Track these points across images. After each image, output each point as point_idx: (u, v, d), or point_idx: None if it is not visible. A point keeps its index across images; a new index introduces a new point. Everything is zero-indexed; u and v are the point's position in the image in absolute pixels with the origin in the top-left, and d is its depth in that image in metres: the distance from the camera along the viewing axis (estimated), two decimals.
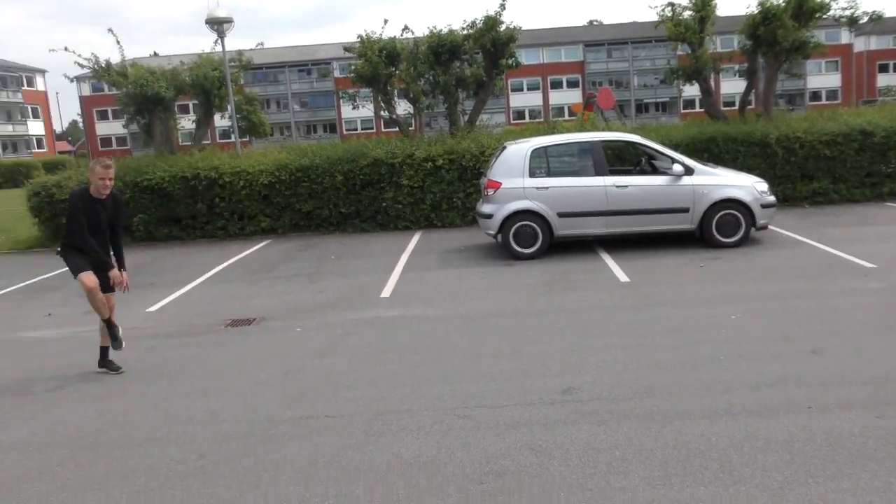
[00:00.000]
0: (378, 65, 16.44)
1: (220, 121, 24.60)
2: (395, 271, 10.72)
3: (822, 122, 14.79)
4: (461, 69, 16.91)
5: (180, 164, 15.05)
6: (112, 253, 6.81)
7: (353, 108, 18.97)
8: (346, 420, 5.32)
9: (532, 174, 10.92)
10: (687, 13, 16.43)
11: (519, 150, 11.08)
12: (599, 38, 79.02)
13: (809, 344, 6.31)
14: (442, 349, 6.95)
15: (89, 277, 6.54)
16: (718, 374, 5.73)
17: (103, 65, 16.96)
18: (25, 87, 77.52)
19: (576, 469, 4.32)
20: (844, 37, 67.28)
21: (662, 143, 12.07)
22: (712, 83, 17.46)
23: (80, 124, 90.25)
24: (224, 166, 14.85)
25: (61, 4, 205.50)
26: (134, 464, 4.82)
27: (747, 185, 10.80)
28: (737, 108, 17.56)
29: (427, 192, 14.53)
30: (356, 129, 70.53)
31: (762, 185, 10.93)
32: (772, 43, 15.59)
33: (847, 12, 16.18)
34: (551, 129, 16.15)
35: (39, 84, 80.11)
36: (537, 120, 63.45)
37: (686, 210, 10.68)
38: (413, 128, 18.87)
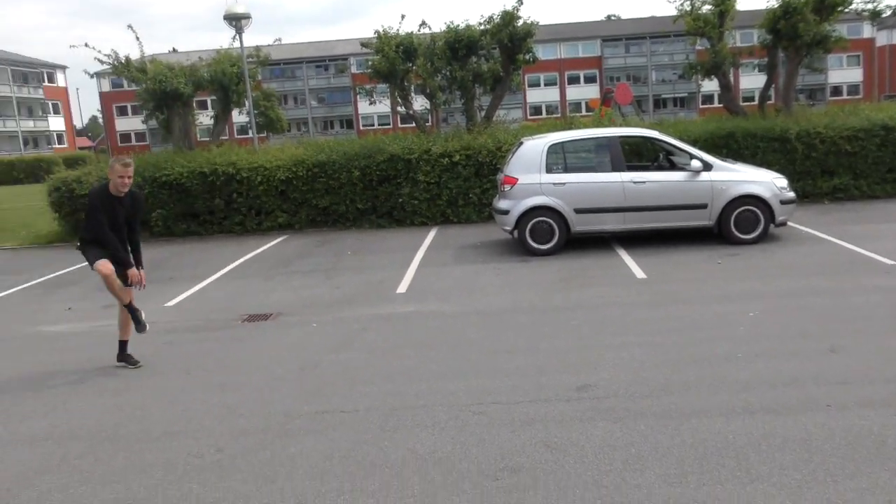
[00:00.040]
0: (395, 60, 16.46)
1: (238, 116, 24.76)
2: (411, 267, 10.73)
3: (843, 117, 14.61)
4: (478, 64, 16.90)
5: (198, 160, 15.13)
6: (129, 250, 6.87)
7: (370, 103, 19.01)
8: (361, 415, 5.33)
9: (549, 170, 10.88)
10: (706, 7, 16.32)
11: (536, 146, 11.04)
12: (617, 33, 78.60)
13: (828, 342, 6.25)
14: (457, 345, 6.95)
15: (105, 265, 6.60)
16: (736, 371, 5.69)
17: (123, 61, 17.12)
18: (46, 83, 78.22)
19: (591, 466, 4.31)
20: (866, 31, 66.52)
21: (680, 139, 11.98)
22: (731, 78, 17.37)
23: (100, 120, 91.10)
24: (242, 162, 14.91)
25: (83, 1, 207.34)
26: (152, 457, 4.86)
27: (766, 181, 10.70)
28: (756, 103, 17.42)
29: (443, 187, 14.52)
30: (373, 125, 70.66)
31: (781, 181, 10.83)
32: (792, 37, 15.45)
33: (869, 6, 16.02)
34: (568, 125, 16.12)
35: (60, 80, 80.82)
36: (554, 115, 63.27)
37: (704, 206, 10.61)
38: (430, 123, 18.88)
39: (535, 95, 76.05)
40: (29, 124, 75.26)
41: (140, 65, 17.19)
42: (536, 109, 74.87)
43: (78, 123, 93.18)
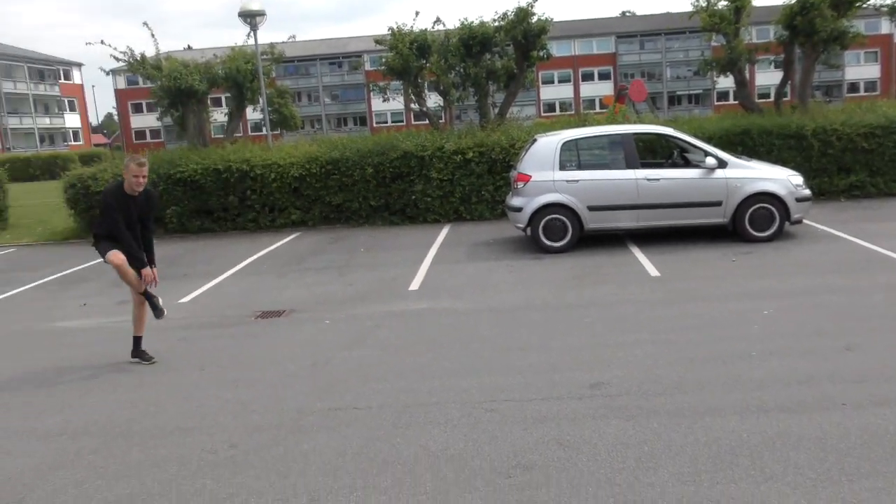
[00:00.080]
0: (409, 57, 16.46)
1: (252, 114, 24.82)
2: (424, 264, 10.73)
3: (861, 114, 14.48)
4: (492, 61, 16.88)
5: (213, 157, 15.20)
6: (143, 248, 6.92)
7: (384, 100, 19.03)
8: (374, 412, 5.34)
9: (562, 167, 10.85)
10: (722, 3, 16.22)
11: (549, 143, 11.01)
12: (632, 30, 78.23)
13: (844, 340, 6.19)
14: (470, 342, 6.95)
15: (117, 255, 6.66)
16: (750, 370, 5.66)
17: (138, 58, 17.20)
18: (62, 81, 78.86)
19: (604, 464, 4.29)
20: (884, 27, 65.73)
21: (695, 136, 11.91)
22: (747, 75, 17.23)
23: (115, 117, 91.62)
24: (255, 159, 14.97)
25: None
26: (166, 452, 4.89)
27: (782, 179, 10.62)
28: (772, 99, 17.29)
29: (456, 184, 14.51)
30: (386, 122, 70.65)
31: (797, 179, 10.74)
32: (809, 33, 15.32)
33: (888, 1, 15.84)
34: (582, 122, 16.06)
35: (76, 77, 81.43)
36: (568, 112, 62.96)
37: (719, 203, 10.54)
38: (443, 120, 18.86)
39: (548, 92, 75.80)
40: (45, 121, 75.88)
41: (155, 62, 17.28)
42: (550, 106, 74.62)
43: (93, 120, 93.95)
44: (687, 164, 11.16)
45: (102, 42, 16.74)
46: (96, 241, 6.84)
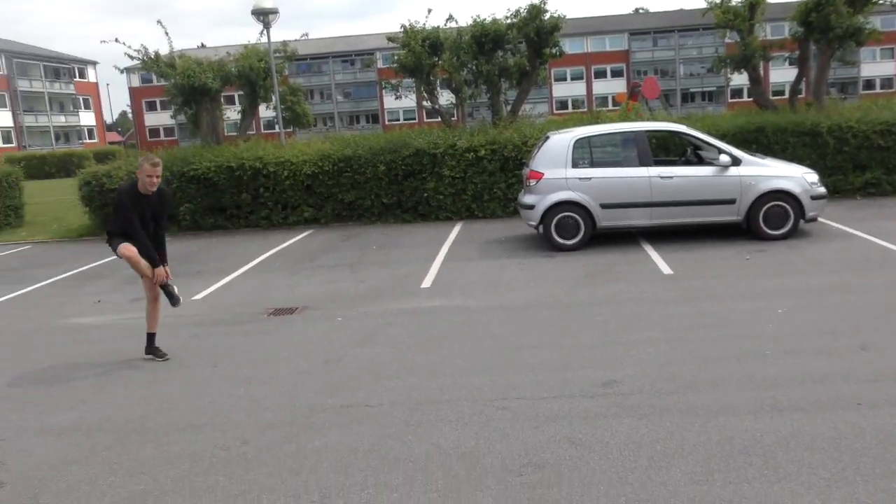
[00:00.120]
0: (421, 55, 16.45)
1: (265, 111, 24.90)
2: (436, 262, 10.73)
3: (876, 111, 14.35)
4: (504, 59, 16.85)
5: (226, 155, 15.25)
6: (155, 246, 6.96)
7: (396, 98, 19.03)
8: (385, 409, 5.35)
9: (575, 164, 10.82)
10: (736, 0, 16.10)
11: (562, 141, 10.98)
12: (645, 27, 77.90)
13: (859, 339, 6.14)
14: (482, 340, 6.94)
15: (128, 248, 6.71)
16: (764, 369, 5.62)
17: (152, 56, 17.28)
18: (77, 79, 79.31)
19: (616, 463, 4.28)
20: None
21: (709, 133, 11.85)
22: (761, 71, 17.11)
23: (130, 115, 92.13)
24: (268, 157, 15.00)
25: None
26: (179, 449, 4.91)
27: (796, 176, 10.55)
28: (787, 97, 17.17)
29: (469, 182, 14.49)
30: (398, 120, 70.70)
31: (812, 176, 10.66)
32: (824, 30, 15.20)
33: None
34: (595, 119, 16.01)
35: (91, 75, 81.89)
36: (581, 110, 62.90)
37: (732, 201, 10.48)
38: (455, 118, 18.85)
39: (561, 90, 75.63)
40: (60, 119, 76.35)
41: (169, 60, 17.35)
42: (562, 104, 74.45)
43: (108, 118, 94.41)
44: (700, 161, 11.10)
45: (117, 40, 16.84)
46: (110, 238, 6.91)
